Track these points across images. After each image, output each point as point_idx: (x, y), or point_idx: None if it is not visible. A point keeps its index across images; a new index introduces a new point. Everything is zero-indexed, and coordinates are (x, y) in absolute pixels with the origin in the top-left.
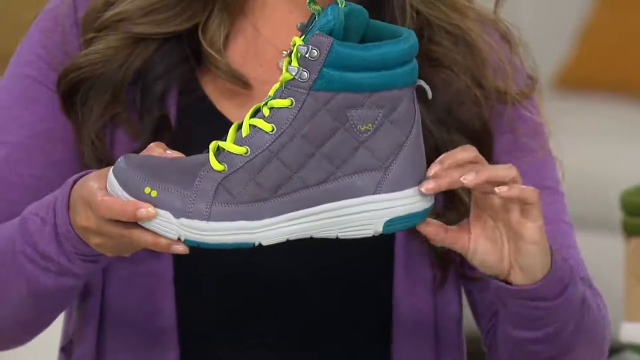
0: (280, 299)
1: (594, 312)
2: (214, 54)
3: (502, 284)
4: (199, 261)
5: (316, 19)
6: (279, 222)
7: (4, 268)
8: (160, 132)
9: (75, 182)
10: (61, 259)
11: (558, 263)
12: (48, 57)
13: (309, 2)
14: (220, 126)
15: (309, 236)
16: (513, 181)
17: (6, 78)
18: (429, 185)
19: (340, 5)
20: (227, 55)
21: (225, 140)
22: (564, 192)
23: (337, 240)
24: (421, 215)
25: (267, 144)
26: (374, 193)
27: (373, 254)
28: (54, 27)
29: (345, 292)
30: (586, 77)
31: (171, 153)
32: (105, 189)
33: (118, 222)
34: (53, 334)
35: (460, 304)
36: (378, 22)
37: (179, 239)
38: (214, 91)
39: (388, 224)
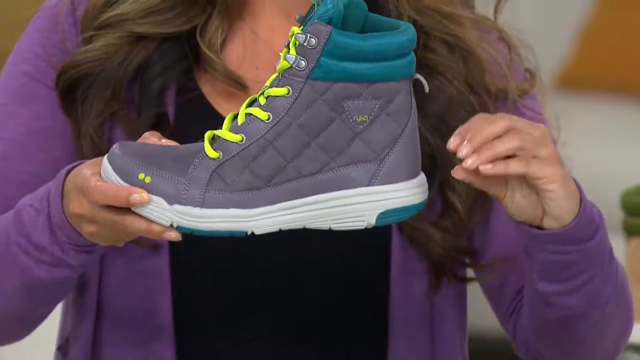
0: (277, 293)
1: (622, 275)
2: (211, 55)
3: (535, 229)
4: (195, 257)
5: (315, 9)
6: (273, 211)
7: None
8: (158, 130)
9: (68, 172)
10: (54, 249)
11: (587, 207)
12: (46, 55)
13: None
14: (217, 125)
15: (302, 226)
16: (519, 148)
17: (4, 76)
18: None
19: None
20: (225, 57)
21: (221, 129)
22: None
23: (333, 235)
24: (415, 209)
25: (262, 132)
26: (368, 185)
27: (369, 250)
28: (53, 25)
29: (341, 286)
30: (586, 77)
31: (166, 142)
32: (99, 176)
33: (111, 208)
34: (50, 334)
35: (463, 306)
36: (377, 15)
37: (171, 225)
38: (212, 91)
39: (381, 216)
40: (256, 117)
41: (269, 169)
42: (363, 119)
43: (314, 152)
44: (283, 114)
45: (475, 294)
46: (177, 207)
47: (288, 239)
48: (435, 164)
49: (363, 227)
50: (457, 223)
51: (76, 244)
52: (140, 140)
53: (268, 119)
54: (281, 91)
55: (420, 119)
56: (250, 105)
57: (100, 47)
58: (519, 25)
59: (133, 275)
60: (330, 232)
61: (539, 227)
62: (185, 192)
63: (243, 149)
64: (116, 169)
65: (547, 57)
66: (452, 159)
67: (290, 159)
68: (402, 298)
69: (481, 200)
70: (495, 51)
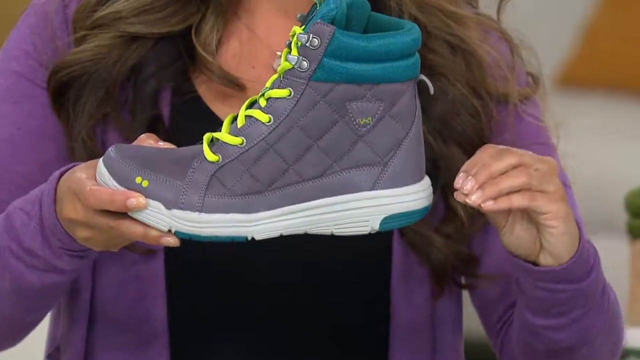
0: (275, 299)
1: (613, 303)
2: (206, 56)
3: (530, 265)
4: (191, 261)
5: (317, 8)
6: (273, 216)
7: None
8: (153, 132)
9: (61, 175)
10: (46, 253)
11: (585, 246)
12: (37, 54)
13: None
14: (213, 127)
15: (303, 232)
16: (525, 185)
17: None
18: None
19: None
20: (221, 56)
21: (219, 131)
22: (571, 187)
23: (333, 241)
24: (420, 214)
25: (263, 135)
26: (372, 189)
27: (370, 255)
28: (43, 23)
29: (342, 292)
30: (589, 76)
31: (163, 144)
32: (94, 179)
33: (107, 213)
34: (38, 342)
35: (460, 309)
36: (380, 15)
37: (169, 231)
38: (208, 92)
39: (385, 221)
40: (257, 119)
41: (270, 173)
42: (366, 121)
43: (316, 156)
44: (284, 116)
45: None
46: (175, 211)
47: (287, 244)
48: (438, 168)
49: (366, 233)
50: (459, 229)
51: (69, 249)
52: (136, 142)
53: (269, 122)
54: (282, 93)
55: (422, 122)
56: (250, 107)
57: (93, 47)
58: (520, 23)
59: (127, 280)
60: (330, 237)
61: (534, 263)
62: (184, 196)
63: (243, 152)
64: (112, 173)
65: (549, 56)
66: (456, 163)
67: (291, 162)
68: (403, 303)
69: None
70: (497, 53)
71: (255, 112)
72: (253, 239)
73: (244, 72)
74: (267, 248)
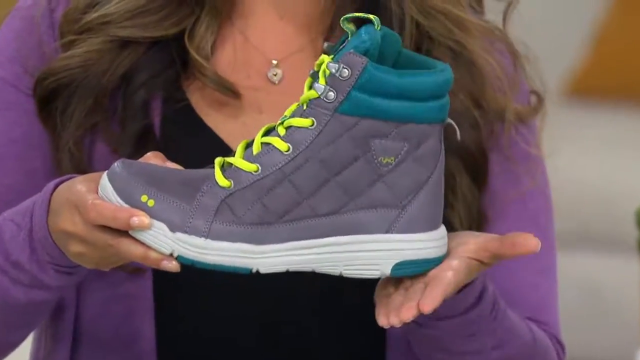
0: (267, 323)
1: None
2: (200, 60)
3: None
4: (181, 280)
5: (348, 39)
6: (282, 249)
7: None
8: (143, 143)
9: (56, 186)
10: (33, 267)
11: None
12: (22, 60)
13: (343, 21)
14: (206, 139)
15: (310, 270)
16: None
17: None
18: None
19: (376, 27)
20: (215, 63)
21: (232, 156)
22: (551, 231)
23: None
24: (434, 262)
25: (280, 164)
26: (387, 232)
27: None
28: (29, 27)
29: (337, 314)
30: (599, 85)
31: (171, 165)
32: (96, 193)
33: (106, 229)
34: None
35: None
36: (411, 52)
37: (171, 254)
38: (201, 101)
39: (397, 267)
40: (275, 147)
41: (283, 204)
42: (389, 160)
43: (333, 191)
44: (304, 147)
45: None
46: (179, 235)
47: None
48: None
49: (376, 277)
50: None
51: (57, 264)
52: (142, 160)
53: (287, 151)
54: (305, 122)
55: None
56: (267, 134)
57: (82, 53)
58: (526, 31)
59: (114, 298)
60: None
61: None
62: (191, 220)
63: (257, 180)
64: (116, 188)
65: (557, 63)
66: (454, 175)
67: (306, 195)
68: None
69: (479, 221)
70: (499, 65)
71: (274, 140)
72: (258, 271)
73: (239, 79)
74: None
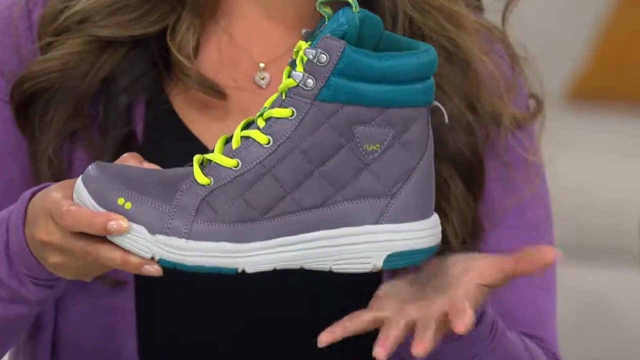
0: (253, 337)
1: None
2: (183, 60)
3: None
4: (165, 292)
5: (325, 23)
6: (268, 247)
7: None
8: (125, 151)
9: (33, 195)
10: (12, 282)
11: None
12: None
13: (319, 4)
14: (190, 145)
15: (299, 266)
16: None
17: None
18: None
19: (354, 9)
20: (198, 64)
21: (211, 152)
22: (552, 236)
23: (318, 275)
24: (427, 252)
25: (260, 158)
26: (376, 223)
27: (359, 282)
28: (5, 29)
29: (329, 323)
30: (603, 88)
31: (148, 165)
32: (71, 199)
33: (83, 236)
34: None
35: None
36: (393, 34)
37: (152, 258)
38: (185, 104)
39: (389, 259)
40: (254, 140)
41: (266, 200)
42: (374, 148)
43: (317, 183)
44: (285, 138)
45: None
46: (159, 237)
47: (269, 280)
48: None
49: (368, 270)
50: None
51: (36, 277)
52: (118, 162)
53: (268, 144)
54: (284, 112)
55: None
56: (246, 127)
57: (61, 56)
58: (527, 30)
59: (94, 312)
60: (323, 273)
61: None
62: (170, 221)
63: (238, 176)
64: (92, 193)
65: (558, 65)
66: (448, 183)
67: (290, 189)
68: None
69: (474, 232)
70: (496, 67)
71: (254, 133)
72: (244, 271)
73: (223, 81)
74: (248, 280)
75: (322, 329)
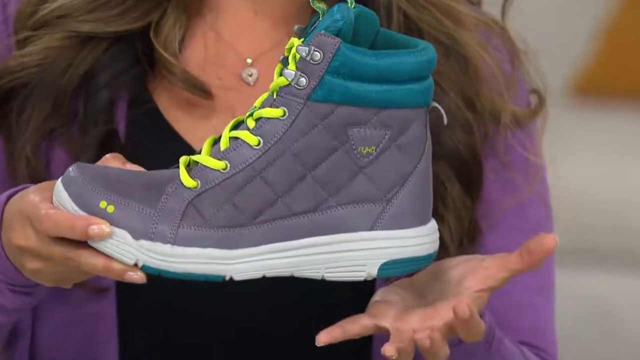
0: (240, 346)
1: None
2: (168, 57)
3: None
4: (146, 301)
5: (319, 19)
6: (257, 253)
7: None
8: (107, 150)
9: (9, 197)
10: None
11: None
12: None
13: (312, 0)
14: (175, 146)
15: (289, 274)
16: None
17: None
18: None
19: (349, 5)
20: (184, 61)
21: (199, 153)
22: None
23: (303, 289)
24: (424, 261)
25: (250, 160)
26: (371, 229)
27: (350, 293)
28: None
29: (314, 348)
30: (609, 83)
31: (131, 166)
32: (50, 202)
33: (63, 241)
34: None
35: None
36: (390, 31)
37: (136, 264)
38: (169, 103)
39: (384, 267)
40: (243, 141)
41: (256, 204)
42: (369, 150)
43: (310, 187)
44: (276, 139)
45: None
46: (143, 242)
47: (256, 289)
48: None
49: (362, 279)
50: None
51: (13, 284)
52: (100, 162)
53: (258, 145)
54: (275, 112)
55: None
56: (235, 128)
57: (39, 50)
58: (529, 24)
59: (73, 321)
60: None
61: None
62: (155, 225)
63: (226, 179)
64: (72, 195)
65: (561, 60)
66: (445, 183)
67: (281, 193)
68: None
69: (472, 234)
70: (495, 62)
71: (243, 134)
72: (232, 279)
73: (210, 79)
74: (235, 289)
75: (312, 340)
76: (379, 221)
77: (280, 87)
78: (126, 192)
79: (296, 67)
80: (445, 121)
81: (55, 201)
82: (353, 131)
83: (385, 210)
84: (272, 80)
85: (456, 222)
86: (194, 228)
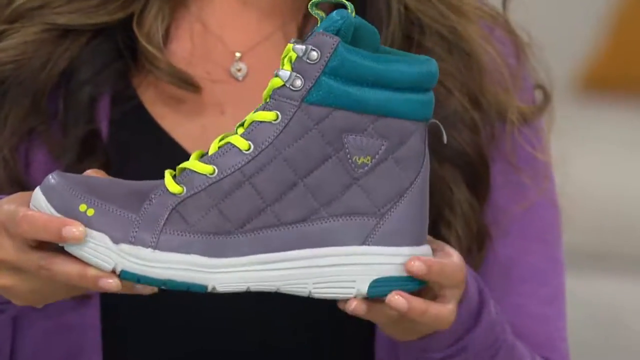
0: (227, 357)
1: None
2: (152, 50)
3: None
4: (131, 310)
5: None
6: (242, 264)
7: None
8: (89, 151)
9: None
10: None
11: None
12: None
13: (311, 6)
14: (161, 143)
15: (275, 289)
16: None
17: None
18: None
19: (350, 12)
20: (169, 55)
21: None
22: (560, 243)
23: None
24: (418, 283)
25: (239, 165)
26: (363, 244)
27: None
28: None
29: (318, 338)
30: (619, 77)
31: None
32: (27, 207)
33: (38, 250)
34: None
35: None
36: (390, 49)
37: (113, 270)
38: (154, 99)
39: (374, 284)
40: (233, 145)
41: (243, 211)
42: (365, 161)
43: (301, 196)
44: (267, 144)
45: None
46: (124, 246)
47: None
48: (430, 194)
49: (351, 296)
50: None
51: None
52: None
53: (248, 149)
54: (267, 116)
55: None
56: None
57: (15, 45)
58: (533, 15)
59: (55, 331)
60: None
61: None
62: (136, 230)
63: (213, 183)
64: (51, 200)
65: (568, 53)
66: (450, 188)
67: (270, 201)
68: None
69: (480, 239)
70: (500, 56)
71: (233, 138)
72: (214, 289)
73: (196, 73)
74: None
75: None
76: (372, 236)
77: (274, 90)
78: (108, 197)
79: (292, 68)
80: (445, 140)
81: (32, 207)
82: (349, 138)
83: (379, 226)
84: (261, 75)
85: (464, 228)
86: (177, 233)
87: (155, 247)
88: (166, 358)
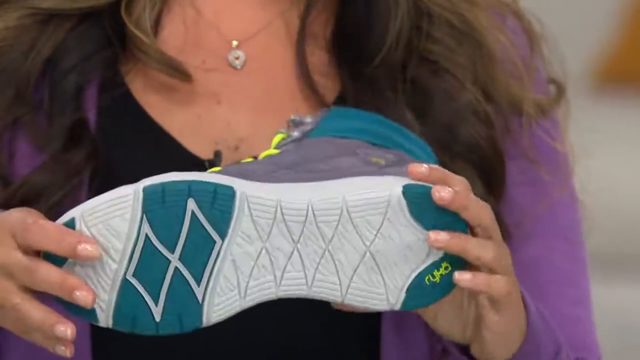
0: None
1: None
2: (141, 36)
3: (457, 352)
4: None
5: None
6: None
7: None
8: (76, 140)
9: None
10: None
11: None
12: None
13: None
14: (151, 133)
15: (306, 204)
16: (487, 266)
17: None
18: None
19: None
20: (160, 43)
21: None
22: (583, 240)
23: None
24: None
25: None
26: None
27: (356, 330)
28: None
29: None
30: (636, 70)
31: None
32: (38, 217)
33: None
34: None
35: None
36: None
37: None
38: (144, 87)
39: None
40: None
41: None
42: (379, 161)
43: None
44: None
45: None
46: None
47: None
48: None
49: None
50: None
51: None
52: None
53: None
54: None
55: (423, 129)
56: None
57: None
58: (544, 4)
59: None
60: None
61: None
62: None
63: None
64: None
65: (586, 45)
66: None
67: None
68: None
69: None
70: (512, 45)
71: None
72: (244, 194)
73: (189, 60)
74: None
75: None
76: None
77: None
78: None
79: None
80: None
81: None
82: (361, 150)
83: None
84: (260, 64)
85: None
86: None
87: None
88: None
